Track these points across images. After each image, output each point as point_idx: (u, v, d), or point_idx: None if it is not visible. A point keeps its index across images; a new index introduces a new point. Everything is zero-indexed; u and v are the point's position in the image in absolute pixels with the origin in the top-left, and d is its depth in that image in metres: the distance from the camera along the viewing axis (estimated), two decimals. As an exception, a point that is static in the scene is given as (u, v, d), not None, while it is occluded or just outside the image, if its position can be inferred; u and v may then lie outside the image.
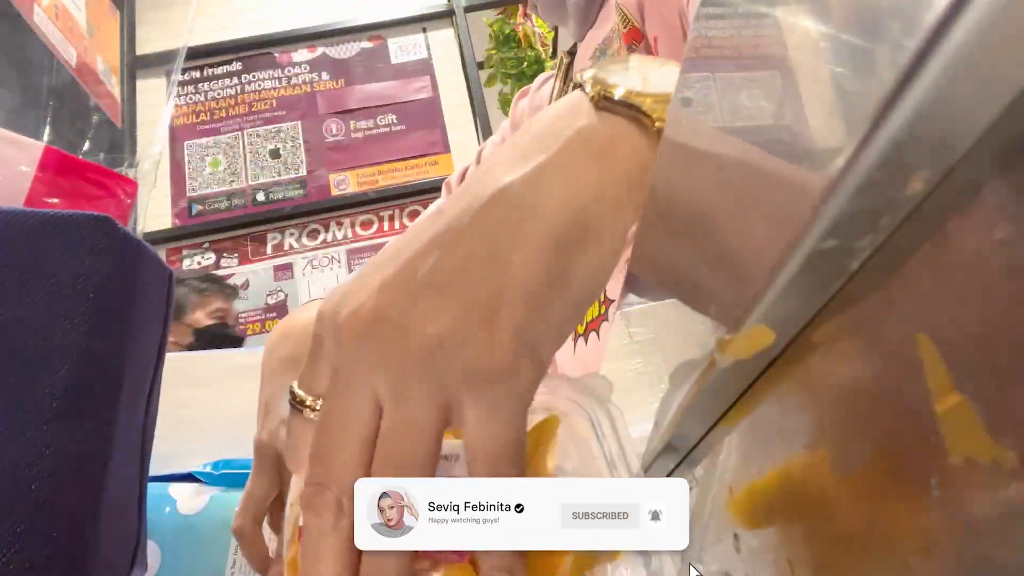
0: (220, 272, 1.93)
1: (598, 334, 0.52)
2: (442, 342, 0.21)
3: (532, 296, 0.21)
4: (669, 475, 0.29)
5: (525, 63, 2.11)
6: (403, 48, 2.20)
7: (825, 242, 0.13)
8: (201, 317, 1.62)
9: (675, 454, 0.27)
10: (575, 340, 0.59)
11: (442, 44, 2.21)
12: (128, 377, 0.31)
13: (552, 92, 0.75)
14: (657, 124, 0.23)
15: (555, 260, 0.22)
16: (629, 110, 0.24)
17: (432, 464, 0.21)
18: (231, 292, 1.79)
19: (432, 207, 0.33)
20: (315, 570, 0.21)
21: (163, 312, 0.35)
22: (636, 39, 0.56)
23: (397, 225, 1.99)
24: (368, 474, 0.21)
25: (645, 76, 0.24)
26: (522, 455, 0.22)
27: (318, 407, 0.24)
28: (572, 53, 0.74)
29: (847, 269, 0.13)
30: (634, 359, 0.41)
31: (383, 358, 0.21)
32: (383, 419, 0.21)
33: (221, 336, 1.60)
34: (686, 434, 0.25)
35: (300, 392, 0.24)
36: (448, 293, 0.21)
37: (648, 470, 0.30)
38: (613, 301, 0.52)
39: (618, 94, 0.24)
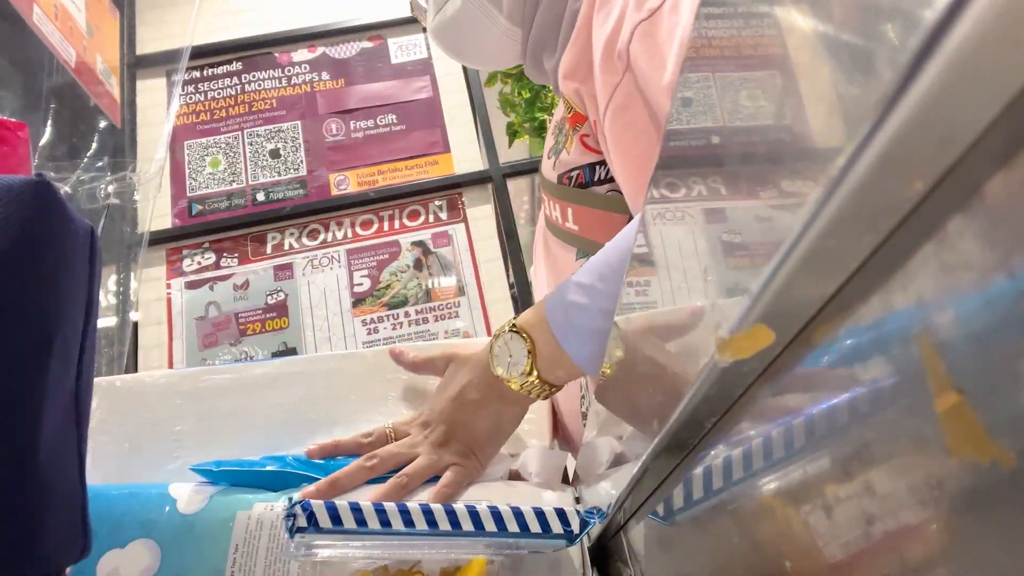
0: (220, 272, 1.93)
1: None
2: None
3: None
4: (669, 475, 0.29)
5: (525, 63, 2.11)
6: (403, 48, 2.20)
7: (825, 242, 0.13)
8: None
9: (676, 453, 0.27)
10: None
11: (442, 44, 2.21)
12: (57, 334, 0.31)
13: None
14: (521, 392, 0.57)
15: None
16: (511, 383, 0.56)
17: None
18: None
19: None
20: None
21: (87, 268, 0.34)
22: (580, 121, 0.67)
23: (397, 225, 1.98)
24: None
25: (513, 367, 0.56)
26: None
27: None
28: None
29: (847, 269, 0.13)
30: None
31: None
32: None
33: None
34: (687, 434, 0.25)
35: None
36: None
37: (648, 470, 0.30)
38: None
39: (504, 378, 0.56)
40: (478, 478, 0.57)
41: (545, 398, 0.57)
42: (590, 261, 0.54)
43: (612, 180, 0.63)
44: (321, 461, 0.56)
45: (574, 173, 0.67)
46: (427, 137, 2.09)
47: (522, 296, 1.83)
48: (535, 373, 0.55)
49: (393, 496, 0.52)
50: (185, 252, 1.95)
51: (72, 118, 1.74)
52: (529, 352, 0.55)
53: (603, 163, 0.65)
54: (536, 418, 0.64)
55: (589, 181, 0.66)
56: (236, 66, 2.17)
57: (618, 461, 0.42)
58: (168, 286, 1.90)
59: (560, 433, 0.68)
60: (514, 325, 0.57)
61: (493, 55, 0.78)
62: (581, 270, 0.54)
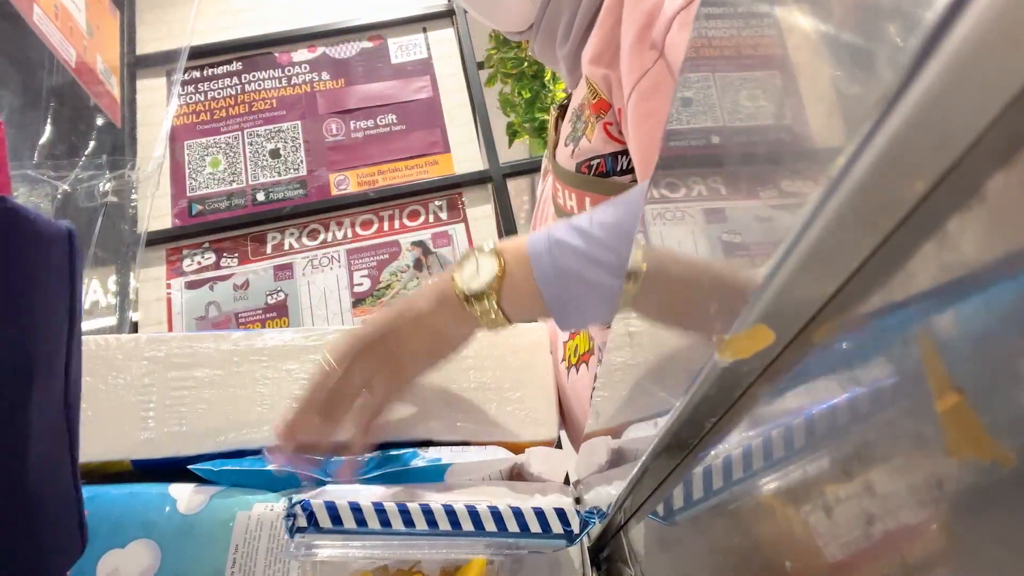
0: (220, 272, 1.93)
1: (587, 366, 0.66)
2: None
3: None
4: (669, 475, 0.29)
5: (525, 63, 2.11)
6: (403, 48, 2.20)
7: (825, 242, 0.13)
8: None
9: (676, 453, 0.27)
10: (568, 370, 0.69)
11: (442, 44, 2.21)
12: (39, 352, 0.30)
13: (549, 141, 0.80)
14: (481, 320, 0.53)
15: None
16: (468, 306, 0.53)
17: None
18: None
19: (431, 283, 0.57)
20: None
21: (67, 275, 0.32)
22: (604, 109, 0.65)
23: (397, 225, 1.98)
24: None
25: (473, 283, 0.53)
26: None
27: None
28: (563, 107, 0.78)
29: (847, 269, 0.13)
30: (622, 351, 0.41)
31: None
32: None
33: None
34: (687, 434, 0.25)
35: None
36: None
37: (648, 470, 0.30)
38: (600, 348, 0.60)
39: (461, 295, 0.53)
40: (405, 391, 0.58)
41: (492, 329, 0.54)
42: (593, 210, 0.52)
43: (634, 171, 0.61)
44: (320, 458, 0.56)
45: (595, 162, 0.65)
46: (427, 137, 2.09)
47: (522, 296, 1.83)
48: (494, 297, 0.52)
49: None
50: (185, 252, 1.95)
51: (72, 117, 1.74)
52: (498, 274, 0.52)
53: (626, 153, 0.63)
54: (543, 410, 0.64)
55: (610, 170, 0.64)
56: (236, 66, 2.17)
57: (617, 461, 0.42)
58: (168, 286, 1.90)
59: (568, 429, 0.67)
60: (493, 246, 0.54)
61: (505, 10, 0.74)
62: (580, 215, 0.52)
